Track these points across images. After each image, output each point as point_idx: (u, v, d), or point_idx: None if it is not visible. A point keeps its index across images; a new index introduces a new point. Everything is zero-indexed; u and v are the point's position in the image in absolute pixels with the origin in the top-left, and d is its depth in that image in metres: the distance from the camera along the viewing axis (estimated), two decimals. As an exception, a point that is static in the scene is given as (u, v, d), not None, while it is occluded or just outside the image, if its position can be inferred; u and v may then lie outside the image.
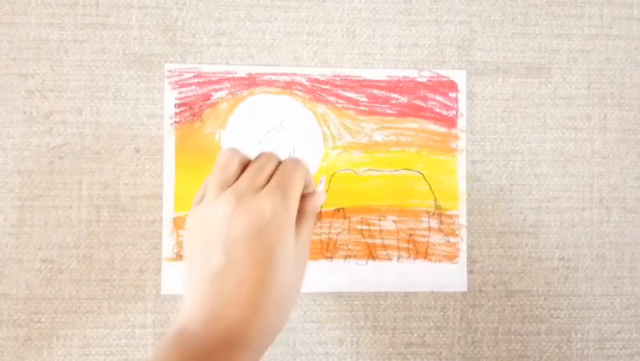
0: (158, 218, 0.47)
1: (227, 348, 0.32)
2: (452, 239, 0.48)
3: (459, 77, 0.49)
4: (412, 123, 0.49)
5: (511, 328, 0.49)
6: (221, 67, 0.48)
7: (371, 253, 0.48)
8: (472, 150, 0.49)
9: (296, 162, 0.38)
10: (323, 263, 0.48)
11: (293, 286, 0.36)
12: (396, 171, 0.49)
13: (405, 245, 0.48)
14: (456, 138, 0.49)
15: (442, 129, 0.49)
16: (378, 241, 0.48)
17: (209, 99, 0.48)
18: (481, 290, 0.49)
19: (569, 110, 0.50)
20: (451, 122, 0.49)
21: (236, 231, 0.34)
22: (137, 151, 0.47)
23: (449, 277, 0.48)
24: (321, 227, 0.48)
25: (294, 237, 0.36)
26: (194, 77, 0.48)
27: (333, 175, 0.48)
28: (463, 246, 0.48)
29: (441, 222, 0.49)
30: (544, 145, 0.50)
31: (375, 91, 0.49)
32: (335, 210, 0.48)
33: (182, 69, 0.48)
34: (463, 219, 0.49)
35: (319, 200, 0.40)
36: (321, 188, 0.47)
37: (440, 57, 0.49)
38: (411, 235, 0.48)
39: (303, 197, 0.38)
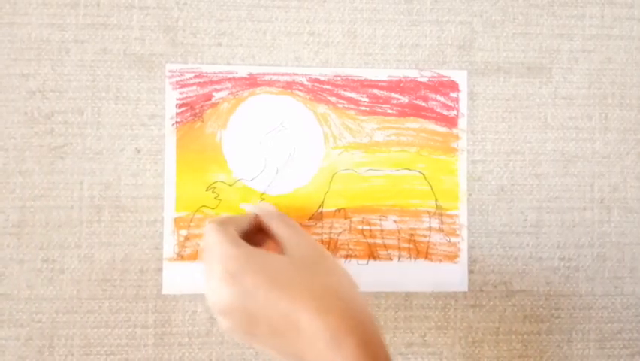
0: (159, 218, 0.47)
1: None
2: (453, 239, 0.49)
3: (460, 77, 0.49)
4: (413, 123, 0.49)
5: (511, 328, 0.49)
6: (222, 67, 0.48)
7: (372, 253, 0.48)
8: (473, 149, 0.49)
9: (206, 229, 0.38)
10: (324, 263, 0.48)
11: (333, 279, 0.36)
12: (397, 171, 0.49)
13: (406, 245, 0.48)
14: (457, 137, 0.49)
15: (443, 129, 0.49)
16: (379, 241, 0.48)
17: (210, 99, 0.48)
18: (481, 290, 0.49)
19: (570, 110, 0.50)
20: (451, 122, 0.49)
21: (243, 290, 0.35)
22: (138, 151, 0.47)
23: (450, 276, 0.48)
24: (322, 227, 0.48)
25: (267, 255, 0.36)
26: (195, 77, 0.48)
27: (334, 175, 0.48)
28: (463, 246, 0.49)
29: (442, 222, 0.49)
30: (545, 145, 0.50)
31: (376, 91, 0.49)
32: (336, 210, 0.48)
33: (183, 69, 0.48)
34: (463, 219, 0.49)
35: (258, 215, 0.42)
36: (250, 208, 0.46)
37: (441, 57, 0.49)
38: (412, 234, 0.48)
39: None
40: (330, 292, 0.34)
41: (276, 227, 0.40)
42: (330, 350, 0.32)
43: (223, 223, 0.38)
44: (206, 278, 0.36)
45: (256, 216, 0.42)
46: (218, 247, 0.36)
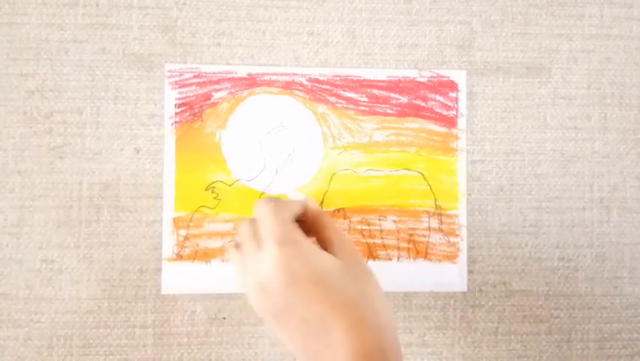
0: (159, 218, 0.47)
1: None
2: (452, 239, 0.49)
3: (459, 77, 0.49)
4: (412, 123, 0.49)
5: (511, 328, 0.49)
6: (222, 67, 0.48)
7: (371, 253, 0.48)
8: (473, 149, 0.49)
9: (260, 205, 0.38)
10: (323, 263, 0.48)
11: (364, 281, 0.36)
12: (396, 171, 0.49)
13: (405, 245, 0.48)
14: (456, 137, 0.49)
15: (442, 129, 0.49)
16: (378, 241, 0.48)
17: (210, 99, 0.48)
18: (481, 290, 0.49)
19: (569, 110, 0.50)
20: (451, 122, 0.49)
21: (277, 299, 0.35)
22: (138, 151, 0.47)
23: (449, 277, 0.48)
24: (321, 227, 0.48)
25: (322, 250, 0.36)
26: (195, 77, 0.48)
27: (333, 175, 0.48)
28: (463, 246, 0.48)
29: (441, 222, 0.49)
30: (545, 145, 0.50)
31: (375, 91, 0.49)
32: (335, 210, 0.48)
33: (182, 69, 0.48)
34: (463, 219, 0.49)
35: (308, 205, 0.41)
36: (299, 196, 0.45)
37: (440, 57, 0.49)
38: (411, 234, 0.48)
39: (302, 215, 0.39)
40: (370, 314, 0.34)
41: (329, 226, 0.39)
42: None
43: (280, 204, 0.37)
44: (253, 251, 0.36)
45: (306, 207, 0.40)
46: (278, 227, 0.35)
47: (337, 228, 0.39)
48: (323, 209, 0.48)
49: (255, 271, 0.35)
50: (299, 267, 0.34)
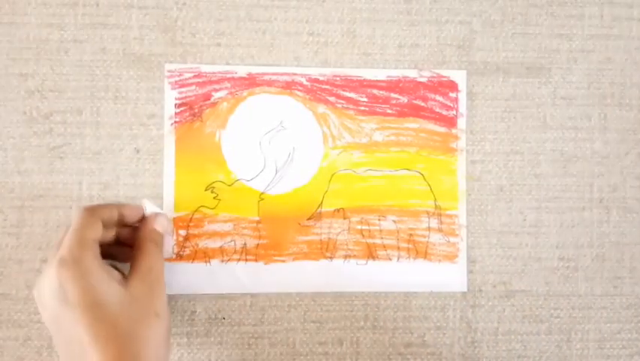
0: (158, 218, 0.47)
1: None
2: (452, 239, 0.49)
3: (459, 77, 0.49)
4: (412, 123, 0.49)
5: (511, 328, 0.49)
6: (222, 67, 0.48)
7: (371, 253, 0.48)
8: (472, 150, 0.49)
9: (78, 215, 0.38)
10: (323, 263, 0.48)
11: (143, 322, 0.35)
12: (396, 171, 0.49)
13: (405, 245, 0.48)
14: (456, 137, 0.49)
15: (442, 129, 0.49)
16: (378, 241, 0.48)
17: (210, 99, 0.48)
18: (480, 290, 0.49)
19: (569, 110, 0.50)
20: (451, 122, 0.49)
21: (47, 315, 0.36)
22: (137, 151, 0.47)
23: (449, 277, 0.48)
24: (320, 227, 0.48)
25: (111, 279, 0.36)
26: (194, 77, 0.48)
27: (333, 175, 0.48)
28: (462, 246, 0.48)
29: (441, 222, 0.49)
30: (545, 145, 0.50)
31: (375, 91, 0.49)
32: (335, 210, 0.48)
33: (182, 69, 0.48)
34: (463, 219, 0.49)
35: (154, 224, 0.41)
36: (152, 210, 0.43)
37: (440, 57, 0.49)
38: (411, 235, 0.48)
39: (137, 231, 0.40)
40: (136, 354, 0.34)
41: (144, 254, 0.39)
42: None
43: (87, 220, 0.37)
44: (49, 260, 0.36)
45: (138, 216, 0.42)
46: (68, 245, 0.36)
47: (152, 254, 0.39)
48: (322, 209, 0.48)
49: (39, 283, 0.36)
50: (73, 290, 0.34)
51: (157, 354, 0.35)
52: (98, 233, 0.38)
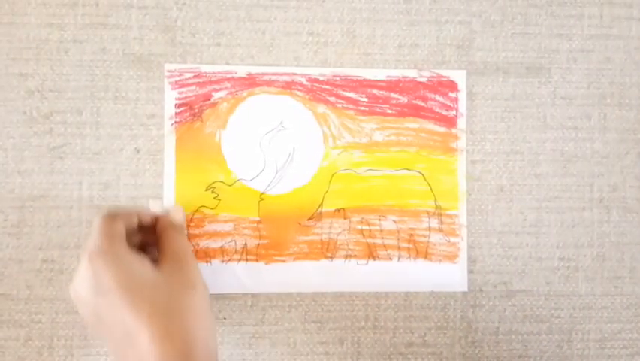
0: (159, 218, 0.47)
1: None
2: (452, 239, 0.48)
3: (459, 77, 0.49)
4: (412, 123, 0.49)
5: (511, 328, 0.49)
6: (221, 67, 0.48)
7: (371, 253, 0.48)
8: (472, 149, 0.49)
9: (95, 219, 0.38)
10: (323, 263, 0.48)
11: (181, 295, 0.36)
12: (396, 171, 0.49)
13: (405, 245, 0.48)
14: (456, 137, 0.49)
15: (442, 129, 0.49)
16: (378, 241, 0.48)
17: (210, 99, 0.48)
18: (481, 290, 0.49)
19: (569, 110, 0.50)
20: (451, 122, 0.49)
21: (87, 308, 0.36)
22: (138, 151, 0.47)
23: (449, 276, 0.48)
24: (321, 227, 0.48)
25: (142, 260, 0.36)
26: (194, 77, 0.48)
27: (333, 175, 0.48)
28: (463, 246, 0.48)
29: (441, 222, 0.49)
30: (545, 145, 0.50)
31: (375, 91, 0.49)
32: (335, 210, 0.48)
33: (182, 69, 0.48)
34: (463, 219, 0.49)
35: (170, 217, 0.42)
36: (160, 207, 0.44)
37: (440, 57, 0.49)
38: (411, 234, 0.48)
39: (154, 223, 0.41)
40: (179, 327, 0.34)
41: (166, 236, 0.40)
42: None
43: (109, 218, 0.38)
44: (79, 262, 0.37)
45: (154, 217, 0.42)
46: (95, 240, 0.36)
47: (175, 238, 0.40)
48: (323, 209, 0.48)
49: (73, 281, 0.37)
50: (108, 277, 0.35)
51: (202, 324, 0.36)
52: (122, 229, 0.38)
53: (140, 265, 0.36)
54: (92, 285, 0.35)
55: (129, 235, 0.39)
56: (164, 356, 0.33)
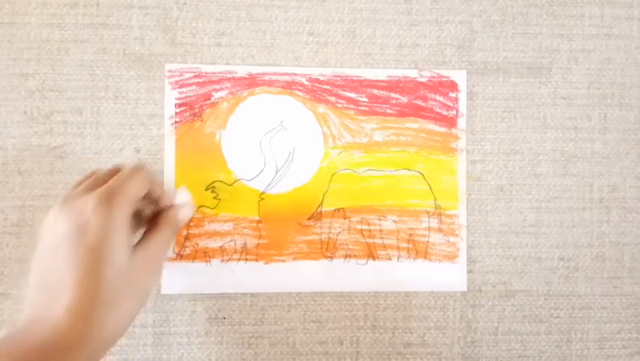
0: (159, 218, 0.47)
1: (52, 352, 0.32)
2: (452, 239, 0.49)
3: (459, 77, 0.49)
4: (412, 123, 0.49)
5: (511, 328, 0.49)
6: (222, 67, 0.48)
7: (371, 253, 0.48)
8: (473, 149, 0.49)
9: (134, 170, 0.38)
10: (323, 263, 0.48)
11: (127, 294, 0.35)
12: (396, 171, 0.49)
13: (405, 245, 0.48)
14: (456, 137, 0.49)
15: (443, 129, 0.49)
16: (378, 241, 0.48)
17: (210, 99, 0.48)
18: (480, 290, 0.49)
19: (570, 110, 0.50)
20: (451, 122, 0.49)
21: (59, 232, 0.34)
22: (138, 151, 0.47)
23: (449, 276, 0.48)
24: (321, 227, 0.48)
25: (127, 242, 0.36)
26: (195, 77, 0.48)
27: (333, 175, 0.48)
28: (462, 246, 0.49)
29: (441, 222, 0.49)
30: (545, 145, 0.50)
31: (375, 91, 0.49)
32: (335, 210, 0.48)
33: (182, 69, 0.48)
34: (463, 219, 0.49)
35: (179, 213, 0.41)
36: (184, 199, 0.43)
37: (440, 57, 0.49)
38: (411, 234, 0.48)
39: (162, 210, 0.40)
40: (105, 318, 0.34)
41: (159, 232, 0.39)
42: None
43: (146, 180, 0.38)
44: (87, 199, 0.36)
45: (163, 197, 0.41)
46: (121, 184, 0.36)
47: (164, 242, 0.40)
48: (323, 209, 0.48)
49: (71, 198, 0.36)
50: (95, 231, 0.34)
51: (117, 325, 0.35)
52: (142, 194, 0.38)
53: (122, 243, 0.35)
54: (79, 223, 0.34)
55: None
56: (71, 325, 0.32)
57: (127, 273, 0.35)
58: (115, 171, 0.39)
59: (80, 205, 0.35)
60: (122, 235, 0.35)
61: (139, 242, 0.38)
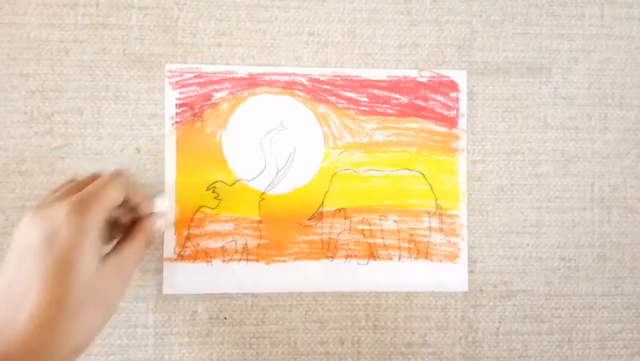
0: (159, 218, 0.47)
1: (15, 360, 0.31)
2: (453, 239, 0.49)
3: (459, 77, 0.49)
4: (413, 123, 0.49)
5: (512, 328, 0.49)
6: (222, 67, 0.48)
7: (372, 253, 0.48)
8: (473, 149, 0.49)
9: (111, 177, 0.38)
10: (324, 263, 0.48)
11: (94, 303, 0.35)
12: (396, 171, 0.49)
13: (406, 245, 0.48)
14: (457, 137, 0.49)
15: (443, 129, 0.49)
16: (379, 241, 0.48)
17: (210, 99, 0.48)
18: (481, 290, 0.49)
19: (570, 110, 0.50)
20: (451, 122, 0.49)
21: (29, 240, 0.34)
22: (138, 151, 0.47)
23: (450, 276, 0.48)
24: (322, 227, 0.48)
25: (97, 251, 0.35)
26: (195, 77, 0.48)
27: (333, 175, 0.48)
28: (463, 246, 0.48)
29: (442, 222, 0.49)
30: (545, 145, 0.50)
31: (375, 91, 0.49)
32: (336, 210, 0.48)
33: (182, 69, 0.48)
34: (463, 219, 0.49)
35: (155, 223, 0.42)
36: (163, 208, 0.44)
37: (441, 57, 0.49)
38: (412, 234, 0.48)
39: (138, 219, 0.40)
40: (69, 319, 0.33)
41: (131, 242, 0.39)
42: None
43: (123, 187, 0.38)
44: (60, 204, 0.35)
45: (141, 204, 0.41)
46: (95, 191, 0.36)
47: (137, 253, 0.40)
48: (323, 209, 0.48)
49: (45, 207, 0.36)
50: (64, 240, 0.34)
51: (83, 335, 0.35)
52: (118, 202, 0.38)
53: (92, 253, 0.35)
54: (49, 232, 0.34)
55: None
56: (39, 319, 0.32)
57: (95, 283, 0.35)
58: (93, 178, 0.39)
59: (51, 213, 0.35)
60: (92, 244, 0.35)
61: (111, 251, 0.38)
